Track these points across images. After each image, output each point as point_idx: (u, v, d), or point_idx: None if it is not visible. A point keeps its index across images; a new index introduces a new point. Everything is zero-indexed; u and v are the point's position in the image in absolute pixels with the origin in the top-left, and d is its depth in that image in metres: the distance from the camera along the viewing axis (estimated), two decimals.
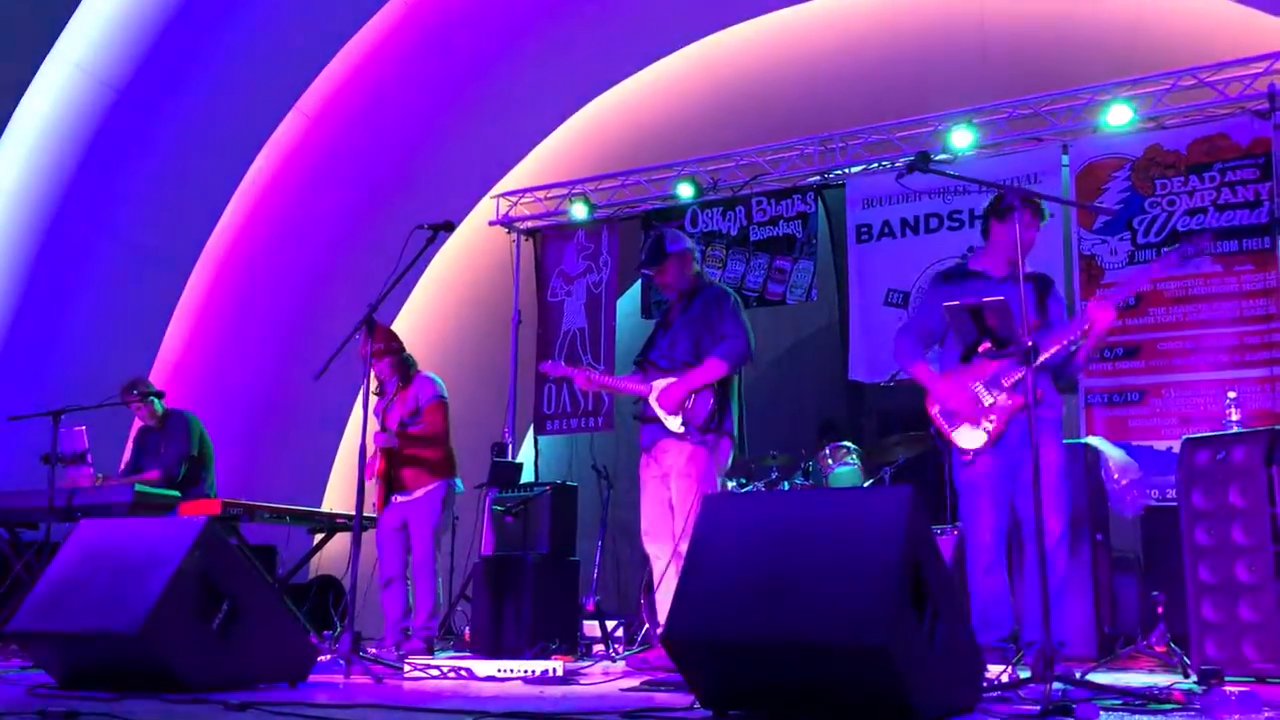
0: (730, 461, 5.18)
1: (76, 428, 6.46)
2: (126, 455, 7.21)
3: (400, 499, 6.14)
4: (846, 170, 8.14)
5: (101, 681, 3.73)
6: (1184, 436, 4.89)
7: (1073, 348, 4.56)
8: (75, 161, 8.02)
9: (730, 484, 6.70)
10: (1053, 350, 4.50)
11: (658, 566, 5.15)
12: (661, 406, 5.05)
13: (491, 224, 9.37)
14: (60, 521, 6.07)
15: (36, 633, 3.93)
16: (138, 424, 7.08)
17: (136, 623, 3.62)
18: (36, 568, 5.82)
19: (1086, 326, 4.50)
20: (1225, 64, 6.86)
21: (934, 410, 4.73)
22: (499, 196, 9.40)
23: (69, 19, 7.49)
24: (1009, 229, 4.55)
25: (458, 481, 6.34)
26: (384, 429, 6.17)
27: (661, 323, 5.41)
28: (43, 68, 7.57)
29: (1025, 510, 4.52)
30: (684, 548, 4.75)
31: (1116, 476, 5.86)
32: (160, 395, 6.95)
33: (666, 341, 5.24)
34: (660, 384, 5.10)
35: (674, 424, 5.03)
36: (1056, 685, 3.31)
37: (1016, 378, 4.49)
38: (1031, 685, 3.38)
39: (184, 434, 6.82)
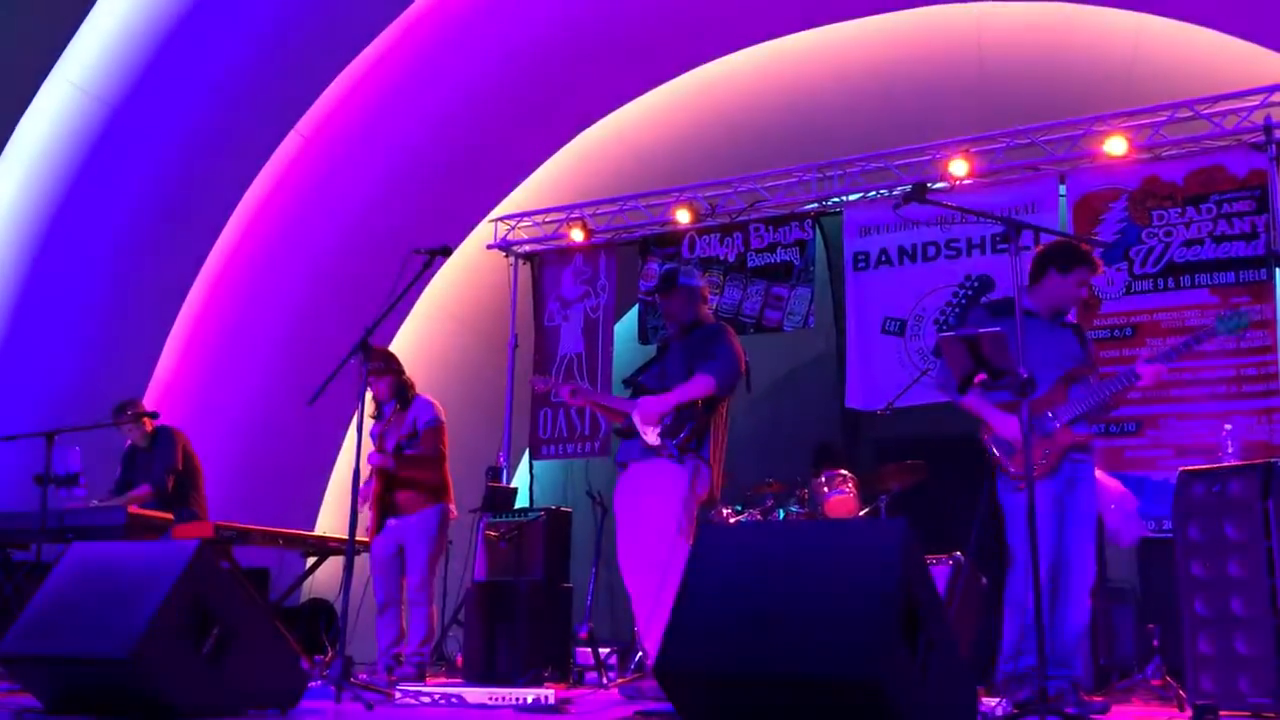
0: (708, 493, 5.09)
1: (70, 449, 6.44)
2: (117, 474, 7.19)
3: (395, 522, 6.10)
4: (844, 198, 8.17)
5: (90, 706, 3.70)
6: (1180, 469, 4.87)
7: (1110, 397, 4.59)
8: (72, 181, 8.02)
9: (726, 510, 6.67)
10: (1095, 403, 4.57)
11: (635, 597, 5.10)
12: (641, 417, 5.01)
13: (489, 247, 9.39)
14: (51, 543, 6.03)
15: (25, 656, 3.90)
16: (127, 443, 7.07)
17: (127, 647, 3.60)
18: (26, 589, 5.78)
19: (1131, 383, 4.55)
20: (1222, 96, 6.90)
21: (988, 438, 4.67)
22: (497, 220, 9.42)
23: (69, 40, 7.50)
24: (1065, 281, 4.62)
25: (452, 506, 6.30)
26: (380, 450, 6.14)
27: (660, 350, 5.43)
28: (42, 88, 7.58)
29: (1066, 548, 4.49)
30: (666, 574, 4.72)
31: (1112, 508, 5.84)
32: (153, 416, 6.94)
33: (659, 367, 5.25)
34: (644, 399, 5.09)
35: (651, 436, 5.00)
36: (1051, 717, 3.29)
37: (1073, 416, 4.53)
38: (1027, 718, 3.36)
39: (169, 448, 6.83)
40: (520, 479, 9.24)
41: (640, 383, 5.24)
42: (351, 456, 5.04)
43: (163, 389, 8.65)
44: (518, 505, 7.56)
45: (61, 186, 8.02)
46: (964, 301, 7.55)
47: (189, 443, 7.01)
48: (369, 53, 8.47)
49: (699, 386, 5.00)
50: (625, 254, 9.03)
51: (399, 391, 6.23)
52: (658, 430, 4.99)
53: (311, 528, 9.14)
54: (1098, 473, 5.96)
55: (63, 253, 8.14)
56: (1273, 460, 4.75)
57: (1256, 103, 6.79)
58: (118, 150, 8.05)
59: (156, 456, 6.84)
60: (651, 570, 4.94)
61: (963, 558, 5.89)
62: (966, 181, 7.58)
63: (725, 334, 5.20)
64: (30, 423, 6.66)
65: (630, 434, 5.12)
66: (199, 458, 7.11)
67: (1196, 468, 4.87)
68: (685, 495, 4.95)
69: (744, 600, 3.03)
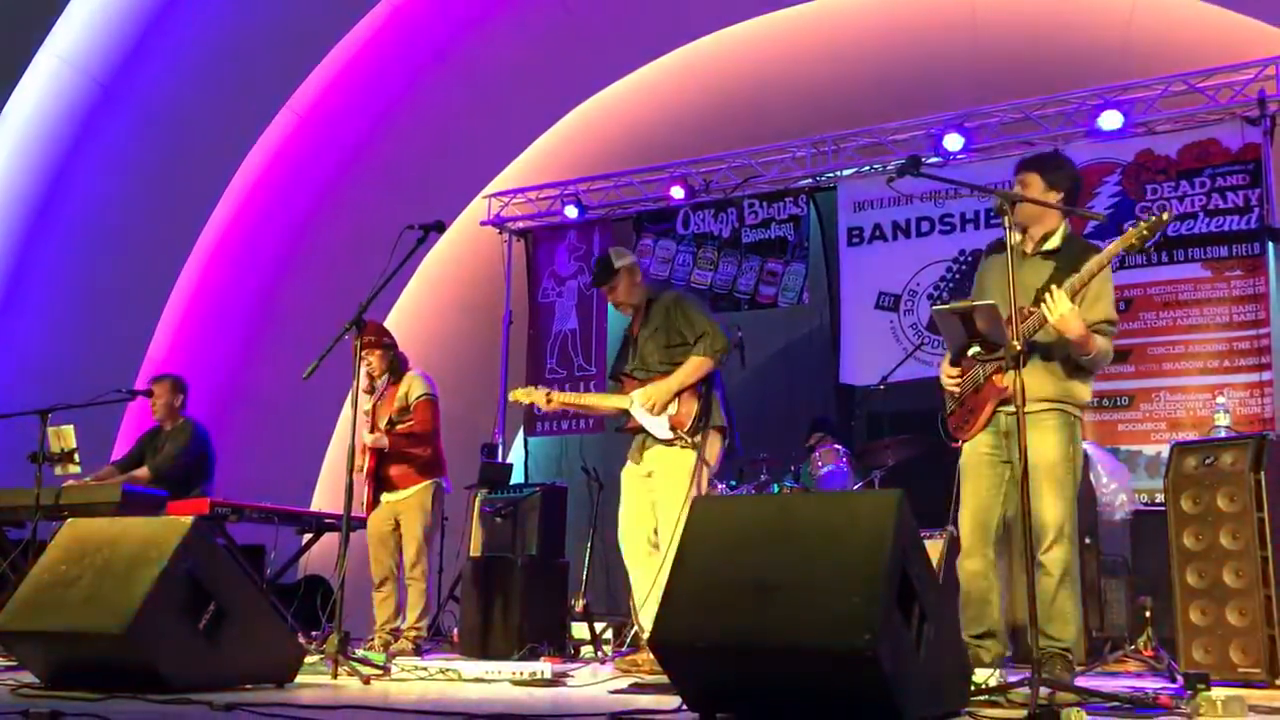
0: (720, 456, 5.08)
1: (65, 426, 6.43)
2: (125, 448, 7.15)
3: (389, 498, 6.11)
4: (838, 173, 8.16)
5: (87, 681, 3.71)
6: (1172, 441, 4.89)
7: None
8: (64, 158, 7.99)
9: (720, 485, 6.69)
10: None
11: (634, 574, 5.07)
12: (645, 407, 4.95)
13: (483, 224, 9.37)
14: (47, 520, 6.04)
15: (22, 632, 3.91)
16: (145, 420, 7.03)
17: (122, 622, 3.60)
18: (23, 567, 5.78)
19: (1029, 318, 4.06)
20: (1216, 70, 6.89)
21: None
22: (491, 196, 9.40)
23: (59, 14, 7.46)
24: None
25: (445, 481, 6.30)
26: (373, 427, 6.13)
27: (626, 340, 5.30)
28: (32, 63, 7.54)
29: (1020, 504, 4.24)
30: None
31: (1105, 480, 5.87)
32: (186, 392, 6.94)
33: (637, 357, 5.15)
34: (641, 391, 5.00)
35: (660, 429, 4.93)
36: (1044, 689, 3.30)
37: (991, 367, 4.19)
38: (1019, 688, 3.38)
39: (187, 440, 6.76)
40: (516, 455, 9.25)
41: (626, 376, 5.17)
42: (347, 432, 5.04)
43: (157, 366, 8.65)
44: (513, 481, 7.58)
45: (53, 162, 7.99)
46: (958, 276, 7.56)
47: (210, 440, 6.93)
48: (362, 29, 8.44)
49: (698, 369, 4.94)
50: (619, 230, 9.01)
51: (391, 366, 6.22)
52: (666, 421, 4.94)
53: (307, 504, 9.16)
54: (1088, 446, 5.96)
55: (56, 230, 8.12)
56: (1264, 433, 4.77)
57: (1250, 76, 6.79)
58: (110, 126, 8.03)
59: (172, 442, 6.78)
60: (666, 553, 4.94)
61: (956, 531, 5.90)
62: (961, 156, 7.58)
63: (689, 302, 5.13)
64: (24, 400, 6.64)
65: (635, 429, 5.06)
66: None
67: (1189, 440, 4.89)
68: (698, 470, 4.91)
69: (739, 571, 3.04)
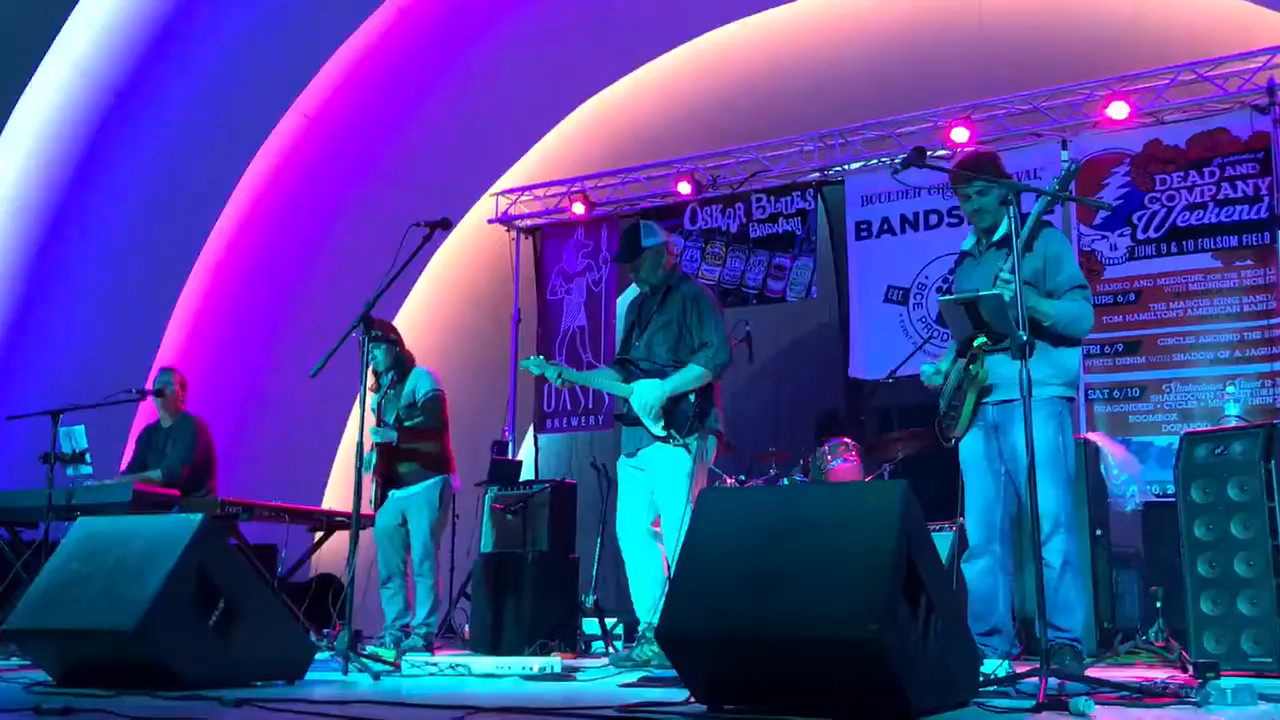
0: (715, 457, 5.12)
1: (76, 427, 6.45)
2: (129, 454, 7.19)
3: (397, 494, 6.11)
4: (846, 167, 8.15)
5: (98, 678, 3.73)
6: (1183, 431, 4.87)
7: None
8: (74, 162, 8.02)
9: (729, 479, 6.68)
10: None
11: (632, 564, 5.11)
12: (641, 410, 4.95)
13: (490, 222, 9.38)
14: (59, 520, 6.06)
15: (34, 630, 3.93)
16: (150, 419, 7.05)
17: (133, 620, 3.62)
18: (35, 567, 5.81)
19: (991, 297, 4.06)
20: (1224, 59, 6.86)
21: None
22: (498, 194, 9.40)
23: (65, 20, 7.48)
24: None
25: (454, 477, 6.30)
26: (380, 423, 6.15)
27: (636, 321, 5.27)
28: (40, 69, 7.57)
29: (1017, 498, 4.32)
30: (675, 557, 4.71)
31: (1116, 472, 5.86)
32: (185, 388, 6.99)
33: (643, 342, 5.14)
34: (639, 388, 5.00)
35: (657, 428, 4.95)
36: (1053, 680, 3.30)
37: (977, 363, 4.25)
38: (1028, 679, 3.37)
39: (191, 437, 6.77)
40: (525, 452, 9.26)
41: (632, 360, 5.17)
42: (356, 430, 5.05)
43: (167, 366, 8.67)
44: (523, 478, 7.58)
45: (63, 167, 8.02)
46: None
47: (210, 434, 6.95)
48: (367, 28, 8.45)
49: (693, 377, 4.92)
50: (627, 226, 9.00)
51: (396, 361, 6.22)
52: (661, 421, 4.94)
53: (318, 503, 9.18)
54: (1096, 437, 5.95)
55: (66, 232, 8.15)
56: (1275, 422, 4.76)
57: (1259, 64, 6.75)
58: (118, 130, 8.05)
59: (175, 442, 6.79)
60: (655, 542, 4.97)
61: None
62: (969, 148, 7.54)
63: (708, 306, 5.07)
64: (36, 401, 6.67)
65: (633, 421, 5.06)
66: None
67: (1199, 430, 4.88)
68: (694, 471, 4.94)
69: (745, 563, 3.04)
